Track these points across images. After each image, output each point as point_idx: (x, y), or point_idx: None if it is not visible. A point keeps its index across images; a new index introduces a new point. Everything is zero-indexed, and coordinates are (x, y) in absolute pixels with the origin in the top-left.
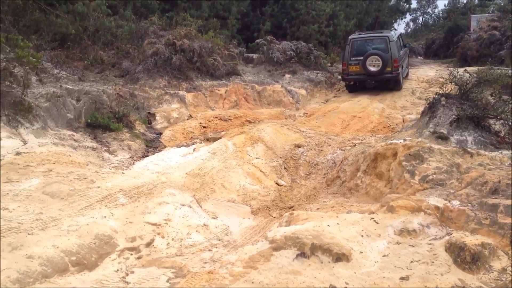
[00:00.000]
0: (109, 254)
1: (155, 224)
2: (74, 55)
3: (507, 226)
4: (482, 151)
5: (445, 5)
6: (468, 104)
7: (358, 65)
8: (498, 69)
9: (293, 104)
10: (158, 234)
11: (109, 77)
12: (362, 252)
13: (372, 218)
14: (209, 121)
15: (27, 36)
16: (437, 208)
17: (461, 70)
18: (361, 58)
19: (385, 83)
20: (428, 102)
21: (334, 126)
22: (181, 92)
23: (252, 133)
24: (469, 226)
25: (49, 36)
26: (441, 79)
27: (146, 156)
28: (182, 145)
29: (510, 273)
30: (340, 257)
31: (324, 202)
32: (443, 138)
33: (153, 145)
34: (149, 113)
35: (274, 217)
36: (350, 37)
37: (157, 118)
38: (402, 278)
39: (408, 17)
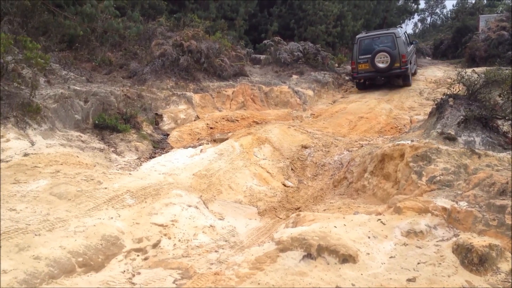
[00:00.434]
0: (116, 255)
1: (161, 225)
2: (82, 56)
3: None
4: (490, 152)
5: (453, 6)
6: (476, 104)
7: (367, 63)
8: (506, 69)
9: (300, 105)
10: (165, 235)
11: (117, 78)
12: (368, 254)
13: (379, 219)
14: (216, 122)
15: (35, 38)
16: (444, 209)
17: (469, 70)
18: (370, 55)
19: (395, 78)
20: (436, 102)
21: (341, 127)
22: (188, 93)
23: (259, 134)
24: (477, 227)
25: (57, 38)
26: (449, 80)
27: (153, 157)
28: (189, 146)
29: None
30: (347, 258)
31: (331, 203)
32: (450, 139)
33: (160, 146)
34: (156, 114)
35: (281, 218)
36: (357, 36)
37: (164, 119)
38: (409, 280)
39: (416, 17)
